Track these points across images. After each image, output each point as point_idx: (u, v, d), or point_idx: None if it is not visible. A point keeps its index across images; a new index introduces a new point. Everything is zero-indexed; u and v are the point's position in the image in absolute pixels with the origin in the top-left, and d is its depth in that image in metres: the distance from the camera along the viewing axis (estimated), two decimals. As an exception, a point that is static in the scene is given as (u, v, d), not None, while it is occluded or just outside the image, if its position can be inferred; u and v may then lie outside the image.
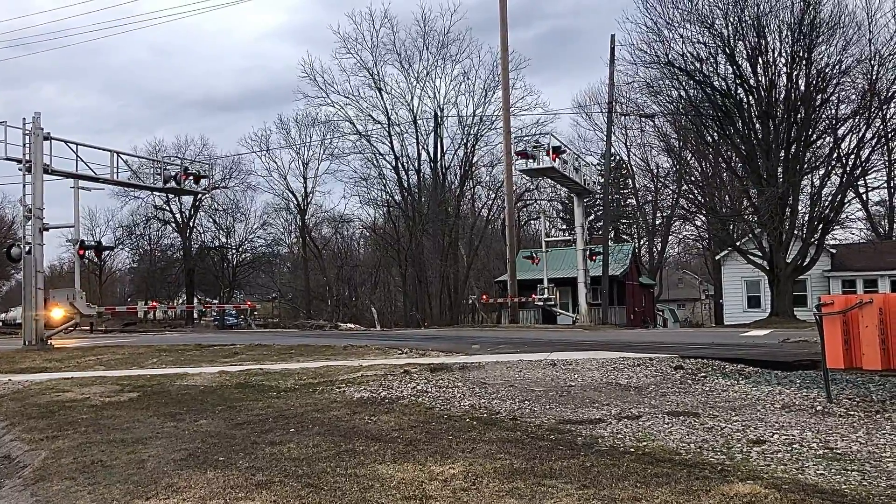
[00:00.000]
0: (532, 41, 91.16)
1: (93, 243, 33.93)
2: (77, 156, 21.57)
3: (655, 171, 52.90)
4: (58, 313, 34.91)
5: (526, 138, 32.29)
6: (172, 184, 24.73)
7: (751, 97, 31.74)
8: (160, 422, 7.47)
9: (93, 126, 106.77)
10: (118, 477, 5.29)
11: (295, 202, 57.44)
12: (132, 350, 17.54)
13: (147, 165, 26.93)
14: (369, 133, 48.85)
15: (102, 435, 6.89)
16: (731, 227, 36.14)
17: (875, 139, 31.07)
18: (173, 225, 61.37)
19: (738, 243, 34.88)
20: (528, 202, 56.04)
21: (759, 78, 31.13)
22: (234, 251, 61.43)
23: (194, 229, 60.91)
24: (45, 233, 20.74)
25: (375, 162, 49.64)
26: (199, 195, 46.93)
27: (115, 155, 22.96)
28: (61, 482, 5.27)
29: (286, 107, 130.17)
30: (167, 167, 25.24)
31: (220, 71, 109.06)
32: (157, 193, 48.03)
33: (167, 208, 59.74)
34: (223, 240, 60.96)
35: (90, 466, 5.65)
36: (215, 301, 57.32)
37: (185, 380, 10.90)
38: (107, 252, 57.39)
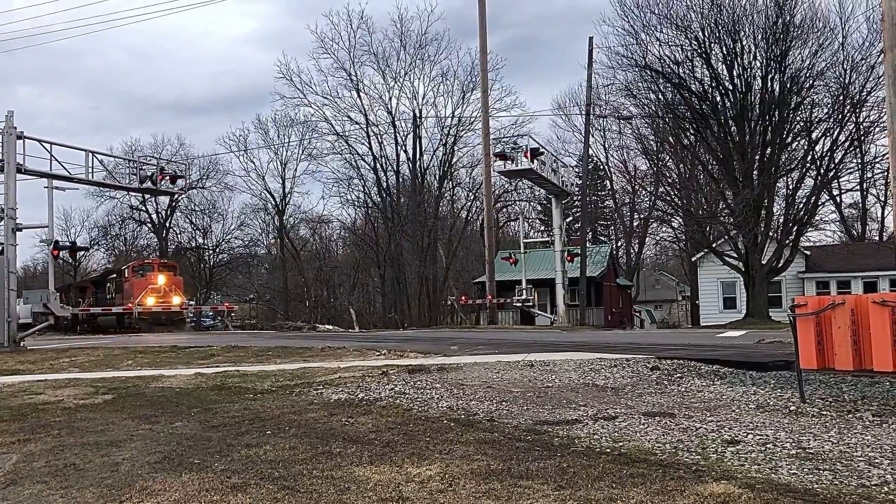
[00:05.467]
0: (495, 48, 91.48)
1: (67, 244, 33.67)
2: (51, 155, 21.34)
3: (633, 172, 53.25)
4: (177, 300, 31.18)
5: (504, 140, 32.32)
6: (149, 184, 24.51)
7: (727, 100, 32.05)
8: (135, 424, 7.40)
9: (70, 128, 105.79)
10: (91, 480, 5.24)
11: (273, 203, 57.23)
12: (107, 352, 17.35)
13: (123, 165, 26.70)
14: (348, 134, 48.79)
15: (76, 438, 6.82)
16: (708, 228, 36.47)
17: (848, 142, 31.51)
18: (149, 225, 60.94)
19: (714, 245, 35.20)
20: (506, 203, 56.20)
21: (735, 81, 31.46)
22: (211, 252, 61.04)
23: (171, 230, 60.56)
24: (18, 233, 20.45)
25: (354, 163, 49.60)
26: (176, 195, 46.62)
27: (91, 154, 22.72)
28: (33, 486, 5.21)
29: (257, 110, 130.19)
30: (143, 167, 25.01)
31: (194, 75, 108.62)
32: (133, 194, 47.69)
33: (143, 208, 59.33)
34: (200, 240, 60.65)
35: (63, 470, 5.59)
36: (192, 302, 56.88)
37: (160, 382, 10.81)
38: (82, 252, 56.82)
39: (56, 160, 21.52)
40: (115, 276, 39.42)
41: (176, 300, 34.00)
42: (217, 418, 7.52)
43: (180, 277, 39.17)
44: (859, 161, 34.22)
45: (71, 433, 7.06)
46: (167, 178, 24.71)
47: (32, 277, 66.47)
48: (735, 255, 32.81)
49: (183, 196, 52.41)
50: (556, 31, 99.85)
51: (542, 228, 56.53)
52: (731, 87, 31.64)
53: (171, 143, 62.41)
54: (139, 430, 7.09)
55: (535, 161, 29.71)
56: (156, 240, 60.33)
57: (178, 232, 61.08)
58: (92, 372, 12.98)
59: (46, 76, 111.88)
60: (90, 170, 22.65)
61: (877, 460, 5.12)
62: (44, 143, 21.25)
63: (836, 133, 30.92)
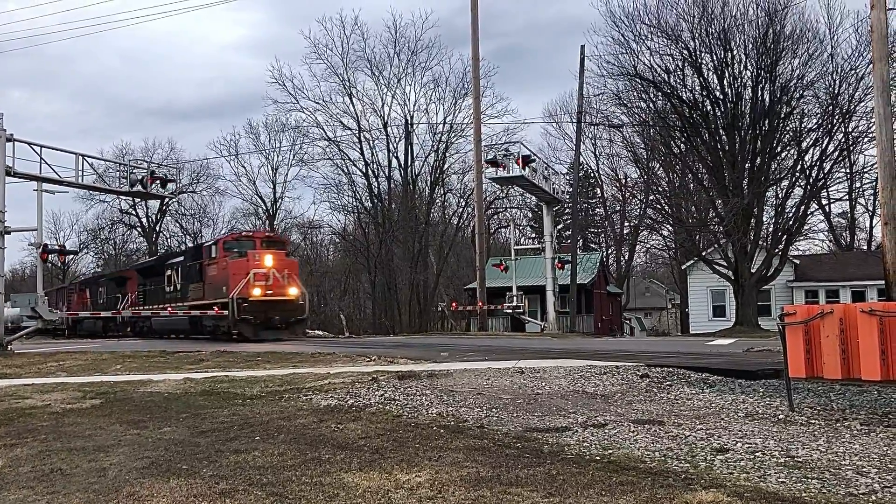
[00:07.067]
0: (485, 57, 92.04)
1: (56, 247, 32.60)
2: (41, 158, 21.19)
3: (623, 181, 53.53)
4: (294, 291, 23.01)
5: (496, 146, 32.34)
6: (139, 187, 24.37)
7: (717, 109, 32.25)
8: (123, 429, 7.35)
9: (60, 132, 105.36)
10: (78, 485, 5.20)
11: (264, 207, 57.17)
12: (95, 356, 17.24)
13: (113, 169, 26.64)
14: (340, 139, 48.75)
15: (63, 442, 6.77)
16: (697, 237, 36.65)
17: (837, 152, 31.74)
18: (139, 229, 60.78)
19: (703, 253, 35.36)
20: (498, 210, 56.26)
21: (726, 90, 31.67)
22: (201, 256, 60.74)
23: (161, 234, 60.33)
24: (6, 236, 20.31)
25: (346, 168, 49.57)
26: (166, 199, 46.39)
27: (81, 158, 22.59)
28: (18, 491, 5.16)
29: (246, 116, 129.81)
30: (134, 171, 24.88)
31: (184, 80, 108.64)
32: (124, 197, 47.41)
33: (133, 212, 59.19)
34: (190, 244, 60.38)
35: (49, 475, 5.54)
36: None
37: (149, 386, 10.75)
38: (71, 256, 56.50)
39: (46, 163, 21.39)
40: (183, 259, 28.95)
41: (293, 291, 23.36)
42: (206, 424, 7.48)
43: (294, 259, 27.78)
44: (848, 171, 34.49)
45: (58, 438, 7.01)
46: (157, 181, 24.56)
47: (21, 281, 66.08)
48: (724, 263, 32.95)
49: (173, 200, 52.27)
50: (545, 40, 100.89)
51: (533, 235, 56.67)
52: (721, 97, 31.85)
53: (161, 147, 62.35)
54: (127, 435, 7.05)
55: (527, 168, 29.77)
56: (145, 244, 60.13)
57: (168, 236, 60.97)
58: (80, 376, 12.88)
59: (38, 80, 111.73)
60: (80, 173, 22.53)
61: (865, 469, 5.14)
62: (33, 146, 21.13)
63: (825, 143, 31.19)
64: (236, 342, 21.34)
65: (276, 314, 22.50)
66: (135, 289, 33.52)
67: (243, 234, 27.01)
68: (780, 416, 7.23)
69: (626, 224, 56.72)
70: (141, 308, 30.72)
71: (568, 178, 41.90)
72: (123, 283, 35.61)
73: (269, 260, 22.78)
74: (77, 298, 41.64)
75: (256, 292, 22.32)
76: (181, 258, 29.29)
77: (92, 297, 39.48)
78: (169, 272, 29.44)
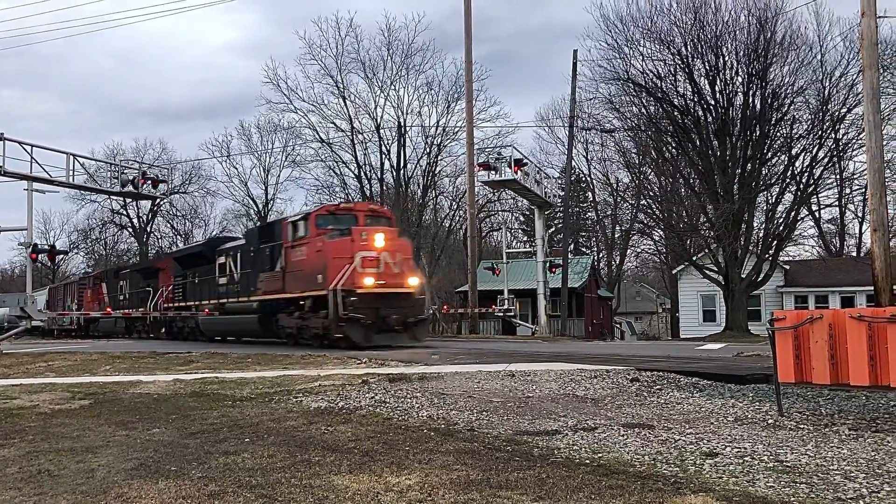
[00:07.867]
0: (476, 61, 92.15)
1: (46, 247, 31.98)
2: (32, 157, 21.13)
3: (615, 185, 53.60)
4: (414, 281, 18.02)
5: (488, 150, 32.36)
6: (130, 188, 24.33)
7: (708, 115, 32.40)
8: (111, 430, 7.32)
9: (52, 132, 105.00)
10: (66, 487, 5.17)
11: (256, 209, 56.94)
12: (84, 357, 17.16)
13: (104, 169, 26.53)
14: (332, 141, 48.61)
15: (51, 443, 6.73)
16: (688, 242, 36.79)
17: (827, 158, 31.93)
18: (130, 230, 60.50)
19: (694, 258, 35.49)
20: (490, 213, 56.26)
21: (717, 96, 31.83)
22: (192, 257, 60.51)
23: (152, 234, 60.09)
24: (-5, 235, 20.22)
25: (338, 170, 49.42)
26: (158, 200, 46.19)
27: (72, 157, 22.53)
28: (5, 492, 5.13)
29: (237, 118, 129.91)
30: (125, 171, 24.85)
31: (175, 81, 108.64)
32: (115, 197, 47.23)
33: (124, 212, 58.95)
34: (181, 245, 60.26)
35: (36, 476, 5.51)
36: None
37: (138, 387, 10.71)
38: (61, 256, 56.22)
39: (37, 162, 21.33)
40: (244, 242, 23.13)
41: (412, 282, 18.22)
42: (195, 425, 7.46)
43: (407, 240, 21.31)
44: (838, 177, 34.69)
45: (46, 439, 6.97)
46: (149, 182, 24.52)
47: (10, 281, 65.78)
48: (715, 268, 33.07)
49: (165, 201, 52.13)
50: (534, 46, 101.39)
51: (525, 239, 56.65)
52: (713, 102, 32.01)
53: (153, 148, 62.31)
54: (116, 436, 7.02)
55: (519, 171, 29.76)
56: (136, 244, 59.94)
57: (159, 237, 60.79)
58: (69, 377, 12.82)
59: (30, 79, 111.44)
60: (71, 173, 22.47)
61: (852, 474, 5.17)
62: (24, 145, 21.05)
63: (815, 149, 31.37)
64: (332, 349, 16.91)
65: (393, 312, 17.34)
66: (169, 281, 28.18)
67: (342, 205, 20.71)
68: (770, 421, 7.26)
69: (618, 228, 56.85)
70: (182, 304, 25.93)
71: (560, 181, 41.99)
72: (154, 274, 30.17)
73: (379, 240, 17.58)
74: (91, 294, 36.80)
75: (368, 282, 17.11)
76: (241, 241, 23.92)
77: (110, 292, 34.80)
78: (223, 259, 23.72)
